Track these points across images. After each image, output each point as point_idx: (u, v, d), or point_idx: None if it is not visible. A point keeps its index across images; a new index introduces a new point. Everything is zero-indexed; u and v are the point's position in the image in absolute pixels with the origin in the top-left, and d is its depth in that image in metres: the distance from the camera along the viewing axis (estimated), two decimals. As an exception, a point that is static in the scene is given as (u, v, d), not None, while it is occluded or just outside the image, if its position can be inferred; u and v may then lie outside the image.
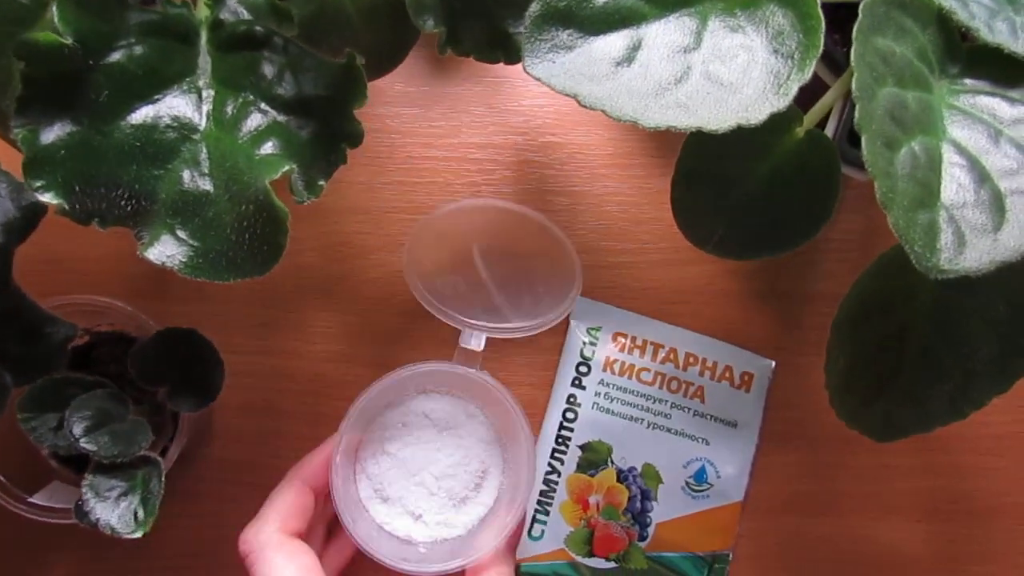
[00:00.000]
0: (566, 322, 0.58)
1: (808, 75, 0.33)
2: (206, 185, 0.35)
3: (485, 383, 0.52)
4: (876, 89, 0.32)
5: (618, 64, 0.34)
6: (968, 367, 0.43)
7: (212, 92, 0.36)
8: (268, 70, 0.37)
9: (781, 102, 0.32)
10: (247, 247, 0.34)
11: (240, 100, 0.36)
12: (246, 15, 0.38)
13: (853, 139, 0.46)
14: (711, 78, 0.33)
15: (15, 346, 0.43)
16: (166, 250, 0.34)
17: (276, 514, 0.47)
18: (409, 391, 0.54)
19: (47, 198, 0.33)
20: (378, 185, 0.59)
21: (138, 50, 0.35)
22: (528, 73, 0.33)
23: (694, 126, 0.32)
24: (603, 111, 0.33)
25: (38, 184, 0.33)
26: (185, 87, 0.36)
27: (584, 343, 0.58)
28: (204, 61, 0.36)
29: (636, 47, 0.34)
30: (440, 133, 0.61)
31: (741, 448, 0.57)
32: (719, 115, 0.32)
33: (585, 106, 0.33)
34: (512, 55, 0.44)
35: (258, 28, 0.37)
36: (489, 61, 0.44)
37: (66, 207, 0.34)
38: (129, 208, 0.35)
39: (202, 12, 0.38)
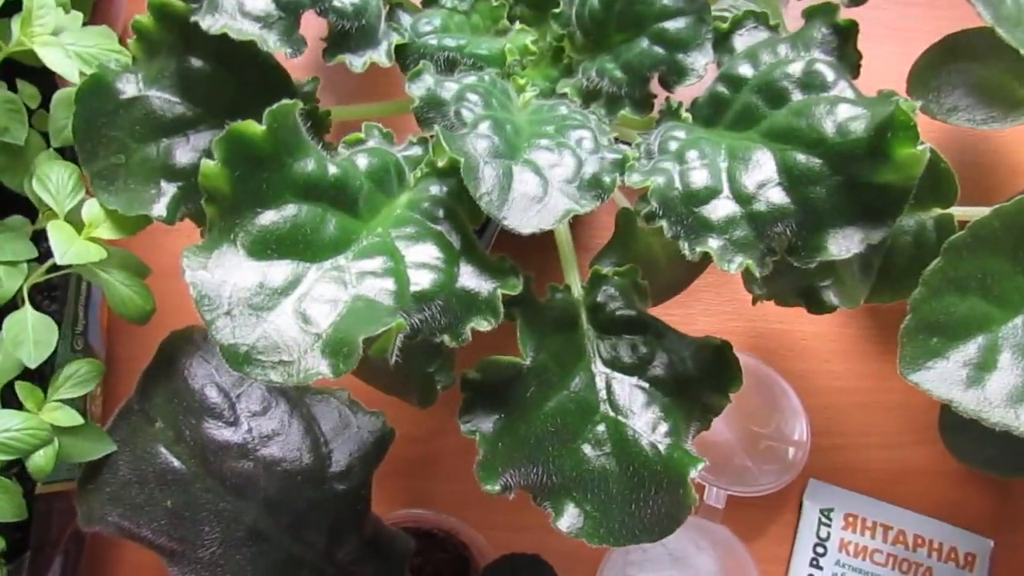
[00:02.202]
0: (799, 501, 0.63)
1: None
2: (609, 464, 0.39)
3: (719, 531, 0.59)
4: None
5: (981, 369, 0.38)
6: None
7: (603, 375, 0.41)
8: (645, 352, 0.42)
9: None
10: (646, 520, 0.39)
11: (627, 383, 0.41)
12: (616, 294, 0.43)
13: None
14: (1065, 382, 0.38)
15: (370, 565, 0.48)
16: (575, 522, 0.39)
17: None
18: None
19: (488, 487, 0.38)
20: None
21: (553, 346, 0.40)
22: (905, 378, 0.38)
23: (1061, 434, 0.37)
24: (979, 419, 0.37)
25: (483, 476, 0.38)
26: (582, 372, 0.41)
27: (820, 523, 0.62)
28: (591, 345, 0.41)
29: (994, 350, 0.39)
30: (675, 320, 0.65)
31: (969, 626, 0.61)
32: (1081, 423, 0.37)
33: (960, 412, 0.38)
34: (813, 304, 0.49)
35: (631, 312, 0.42)
36: (790, 306, 0.49)
37: (495, 489, 0.39)
38: (540, 482, 0.39)
39: (576, 292, 0.43)
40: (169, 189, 0.40)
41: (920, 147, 0.33)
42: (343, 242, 0.33)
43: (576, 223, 0.67)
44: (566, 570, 0.62)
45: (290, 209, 0.32)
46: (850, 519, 0.62)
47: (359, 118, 0.42)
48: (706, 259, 0.38)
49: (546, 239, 0.48)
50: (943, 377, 0.38)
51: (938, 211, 0.50)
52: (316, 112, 0.43)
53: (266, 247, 0.31)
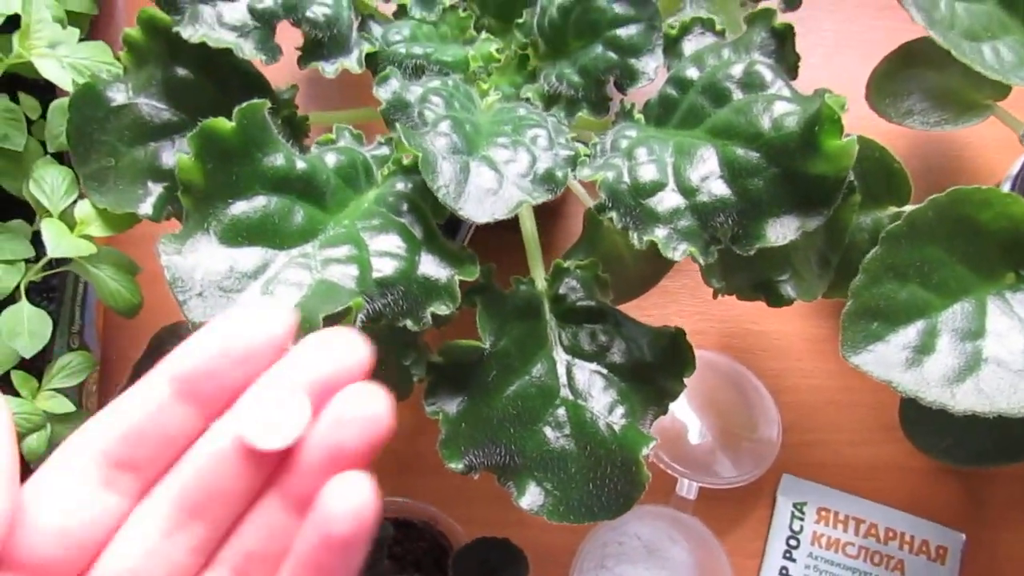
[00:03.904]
0: (773, 496, 0.65)
1: (1088, 367, 0.39)
2: (568, 445, 0.42)
3: (693, 524, 0.61)
4: None
5: (920, 352, 0.40)
6: None
7: (564, 362, 0.43)
8: (604, 340, 0.44)
9: (1067, 392, 0.39)
10: (604, 498, 0.41)
11: (587, 369, 0.43)
12: (577, 286, 0.45)
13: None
14: (1000, 364, 0.40)
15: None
16: (535, 500, 0.41)
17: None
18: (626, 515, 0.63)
19: (451, 465, 0.40)
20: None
21: (515, 333, 0.42)
22: (847, 360, 0.40)
23: (995, 412, 0.39)
24: (917, 398, 0.39)
25: (446, 454, 0.40)
26: (543, 359, 0.43)
27: (792, 517, 0.64)
28: (552, 334, 0.44)
29: (933, 334, 0.41)
30: (651, 320, 0.67)
31: (941, 618, 0.62)
32: (1014, 401, 0.39)
33: (899, 393, 0.40)
34: (772, 298, 0.51)
35: (592, 302, 0.44)
36: (749, 300, 0.52)
37: (459, 467, 0.41)
38: (502, 462, 0.42)
39: (540, 285, 0.45)
40: (156, 189, 0.43)
41: (846, 139, 0.35)
42: (310, 232, 0.36)
43: (548, 226, 0.70)
44: (542, 564, 0.64)
45: (260, 200, 0.35)
46: (822, 513, 0.64)
47: (337, 123, 0.45)
48: (664, 255, 0.40)
49: (516, 240, 0.50)
50: (883, 359, 0.40)
51: (893, 209, 0.53)
52: (294, 117, 0.46)
53: (237, 235, 0.34)
